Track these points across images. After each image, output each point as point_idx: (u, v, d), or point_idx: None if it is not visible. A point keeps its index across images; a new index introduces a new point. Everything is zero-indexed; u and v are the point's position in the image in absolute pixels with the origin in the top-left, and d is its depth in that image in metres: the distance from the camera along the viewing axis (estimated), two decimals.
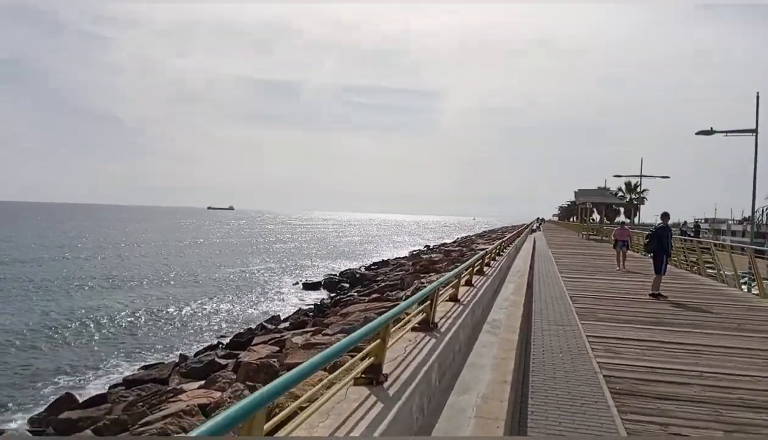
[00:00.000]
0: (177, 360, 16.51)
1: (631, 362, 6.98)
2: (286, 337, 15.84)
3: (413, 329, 5.82)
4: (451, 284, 7.91)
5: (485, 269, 11.64)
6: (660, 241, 13.43)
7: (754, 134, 21.76)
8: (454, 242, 76.40)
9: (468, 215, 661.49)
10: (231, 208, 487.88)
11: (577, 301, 11.41)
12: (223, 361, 14.28)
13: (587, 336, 8.14)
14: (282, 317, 26.29)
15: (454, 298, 7.63)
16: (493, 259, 13.95)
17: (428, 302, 6.02)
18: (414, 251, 68.90)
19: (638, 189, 69.60)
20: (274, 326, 22.43)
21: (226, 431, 1.85)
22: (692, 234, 25.01)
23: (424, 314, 6.05)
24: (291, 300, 33.68)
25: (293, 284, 40.55)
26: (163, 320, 25.86)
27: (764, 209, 25.55)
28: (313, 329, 16.98)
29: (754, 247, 17.97)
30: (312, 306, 27.95)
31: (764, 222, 26.48)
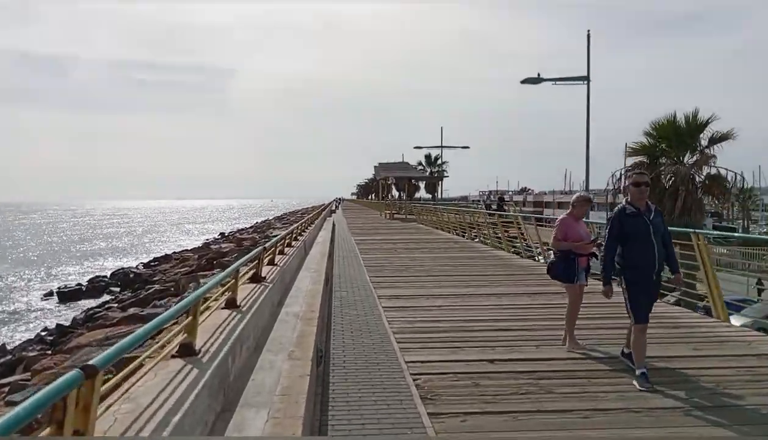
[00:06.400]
0: None
1: None
2: None
3: None
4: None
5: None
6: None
7: (586, 81, 19.64)
8: (251, 227, 71.15)
9: (269, 198, 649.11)
10: None
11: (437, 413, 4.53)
12: None
13: None
14: (9, 348, 19.64)
15: None
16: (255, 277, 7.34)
17: None
18: (208, 240, 62.31)
19: (439, 162, 64.32)
20: None
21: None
22: (495, 208, 23.68)
23: None
24: (34, 318, 26.29)
25: (44, 294, 32.43)
26: None
27: (619, 171, 21.26)
28: (16, 378, 11.41)
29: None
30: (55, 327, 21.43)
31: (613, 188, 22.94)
